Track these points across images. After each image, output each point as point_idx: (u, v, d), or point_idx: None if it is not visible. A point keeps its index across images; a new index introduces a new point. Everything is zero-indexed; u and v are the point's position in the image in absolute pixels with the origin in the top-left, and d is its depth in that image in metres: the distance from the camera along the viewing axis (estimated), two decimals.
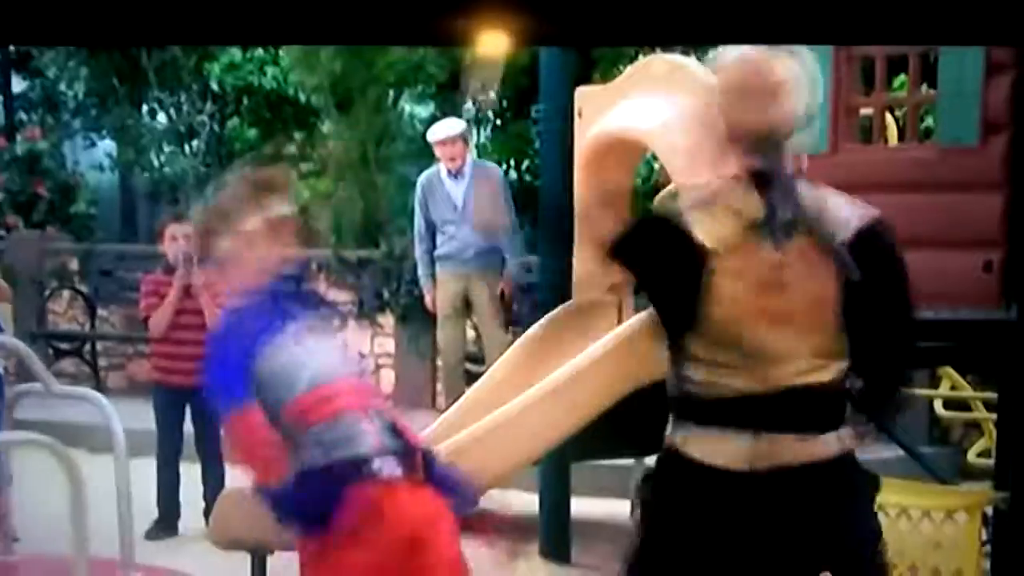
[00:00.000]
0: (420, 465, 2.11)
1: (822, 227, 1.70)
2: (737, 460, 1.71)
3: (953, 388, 4.48)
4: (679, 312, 1.72)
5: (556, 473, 3.99)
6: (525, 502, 4.07)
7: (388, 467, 2.07)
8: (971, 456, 4.53)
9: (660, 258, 1.74)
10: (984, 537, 3.23)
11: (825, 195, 1.76)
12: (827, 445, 1.73)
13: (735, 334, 1.70)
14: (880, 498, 3.12)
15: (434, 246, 5.51)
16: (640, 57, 5.56)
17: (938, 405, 4.62)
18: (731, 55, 1.76)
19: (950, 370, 4.39)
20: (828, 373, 1.72)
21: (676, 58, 4.15)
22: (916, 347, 1.84)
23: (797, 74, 1.73)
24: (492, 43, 1.60)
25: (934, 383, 4.62)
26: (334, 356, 2.13)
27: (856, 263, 1.70)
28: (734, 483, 1.71)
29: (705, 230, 1.70)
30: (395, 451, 2.10)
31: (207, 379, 2.11)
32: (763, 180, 1.71)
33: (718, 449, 1.71)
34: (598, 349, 3.24)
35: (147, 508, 4.27)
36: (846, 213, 1.75)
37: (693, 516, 1.74)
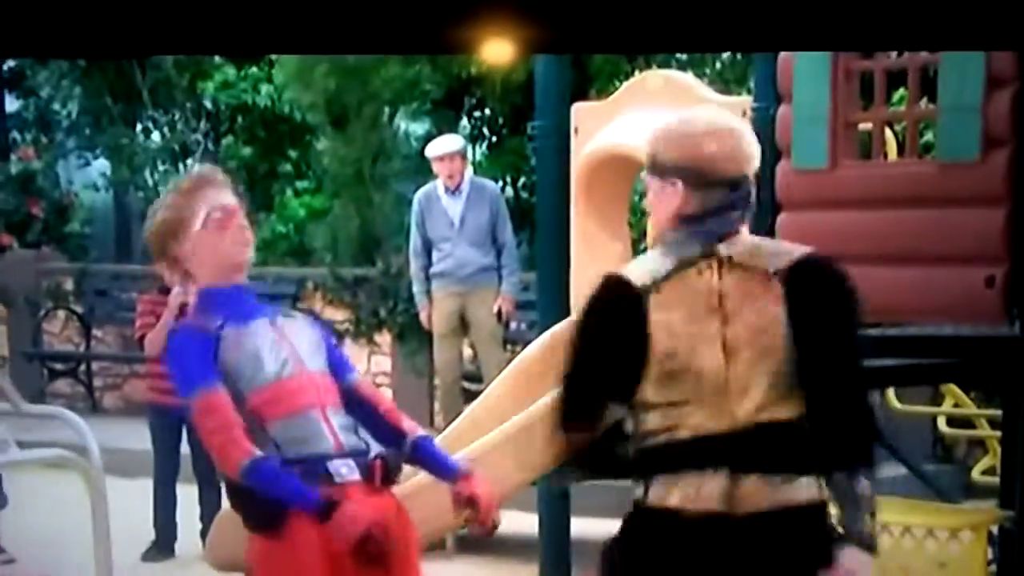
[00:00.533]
0: (379, 469, 2.07)
1: (756, 259, 1.71)
2: (713, 503, 1.65)
3: (956, 405, 4.45)
4: (627, 361, 1.69)
5: (556, 493, 3.95)
6: (525, 522, 4.04)
7: (345, 469, 2.03)
8: (975, 474, 4.50)
9: (598, 312, 1.72)
10: (990, 556, 3.20)
11: (765, 240, 1.81)
12: (808, 489, 1.68)
13: (683, 366, 1.67)
14: (884, 517, 3.12)
15: (430, 263, 5.49)
16: (636, 72, 5.56)
17: (941, 422, 4.59)
18: (689, 117, 1.77)
19: (953, 387, 4.36)
20: (790, 410, 1.68)
21: (672, 73, 4.15)
22: (865, 388, 1.78)
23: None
24: (496, 51, 1.58)
25: (937, 400, 4.59)
26: (299, 350, 2.10)
27: (795, 292, 1.69)
28: (712, 529, 1.64)
29: (635, 273, 1.72)
30: (354, 453, 2.06)
31: (171, 366, 2.09)
32: (701, 221, 1.72)
33: (690, 493, 1.65)
34: None
35: (144, 530, 4.23)
36: (785, 248, 1.77)
37: (672, 571, 1.67)
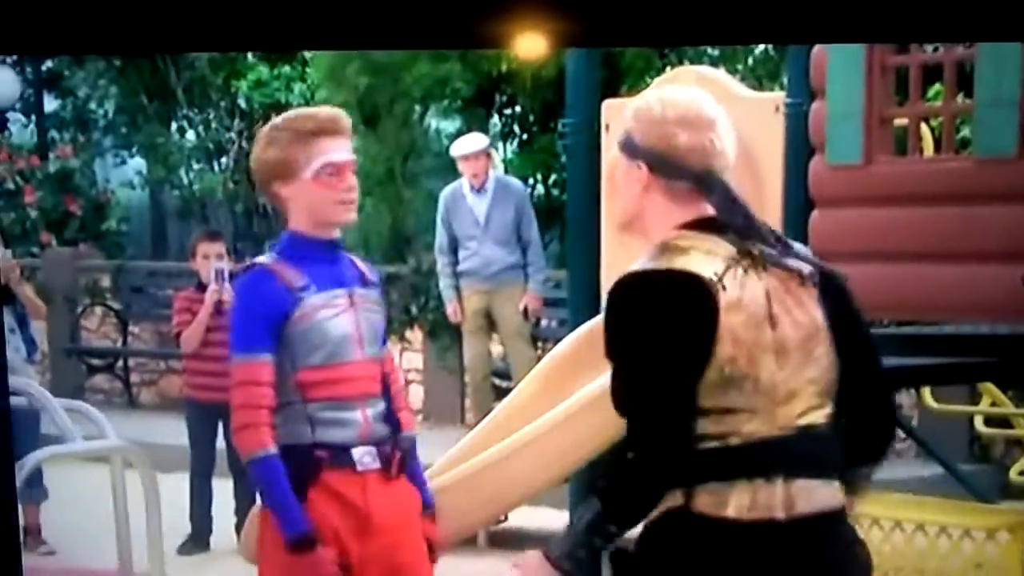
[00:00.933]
0: (397, 459, 2.10)
1: (784, 259, 1.66)
2: (772, 510, 1.59)
3: (994, 404, 4.39)
4: (690, 360, 1.57)
5: (586, 491, 3.95)
6: (556, 519, 4.04)
7: (368, 459, 2.05)
8: (1013, 474, 4.45)
9: (672, 307, 1.59)
10: None
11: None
12: (839, 491, 1.67)
13: (742, 372, 1.59)
14: (920, 517, 3.09)
15: (456, 261, 5.51)
16: (668, 69, 5.54)
17: (979, 422, 4.54)
18: (669, 99, 1.70)
19: (991, 386, 4.30)
20: (825, 413, 1.66)
21: (704, 69, 4.13)
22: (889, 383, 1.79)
23: (725, 115, 1.70)
24: (529, 45, 1.58)
25: (974, 399, 4.53)
26: (364, 332, 2.08)
27: (828, 296, 1.67)
28: (767, 535, 1.60)
29: (699, 267, 1.60)
30: (380, 441, 2.08)
31: (237, 304, 2.06)
32: (724, 220, 1.65)
33: (746, 501, 1.58)
34: None
35: (180, 524, 4.29)
36: (792, 246, 1.72)
37: None
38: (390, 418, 2.17)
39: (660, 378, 1.59)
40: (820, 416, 1.65)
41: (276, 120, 2.09)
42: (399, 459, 2.11)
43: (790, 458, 1.62)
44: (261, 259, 2.09)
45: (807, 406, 1.64)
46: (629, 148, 1.71)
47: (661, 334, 1.59)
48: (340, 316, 2.05)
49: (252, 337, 2.00)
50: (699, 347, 1.58)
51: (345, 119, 2.09)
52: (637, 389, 1.60)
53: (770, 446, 1.61)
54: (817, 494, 1.63)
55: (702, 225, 1.66)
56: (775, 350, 1.62)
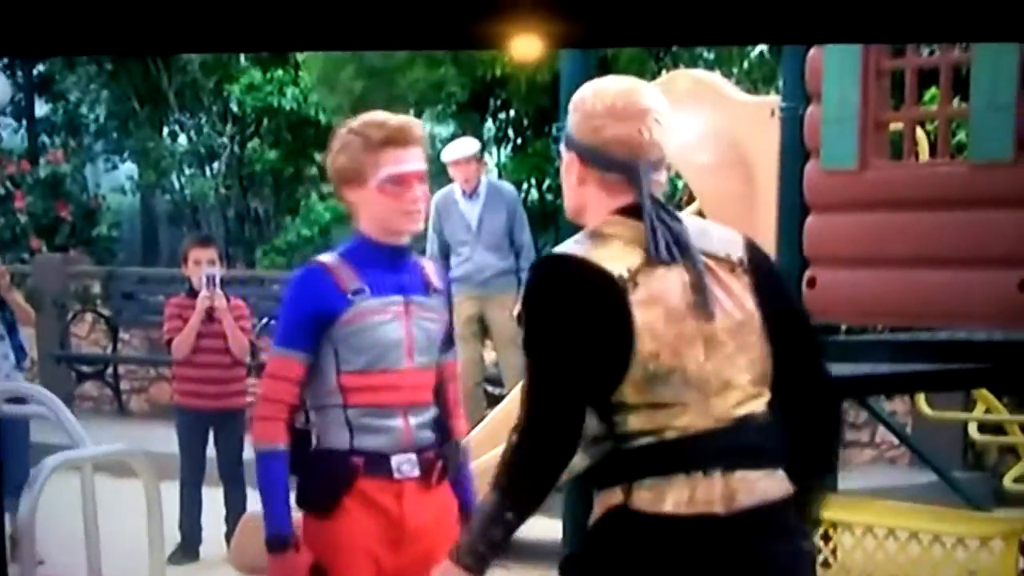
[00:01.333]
0: (438, 468, 2.08)
1: (711, 245, 1.64)
2: (710, 505, 1.55)
3: (988, 411, 4.39)
4: (607, 361, 1.55)
5: (579, 498, 3.93)
6: (550, 528, 4.02)
7: (407, 467, 2.04)
8: (1007, 481, 4.43)
9: (579, 300, 1.57)
10: (1021, 566, 3.14)
11: (694, 220, 1.72)
12: (784, 481, 1.62)
13: (670, 366, 1.56)
14: (914, 525, 3.07)
15: (448, 267, 5.48)
16: (663, 72, 5.54)
17: (972, 429, 4.53)
18: (598, 89, 1.69)
19: (985, 392, 4.30)
20: (762, 401, 1.63)
21: (699, 73, 4.13)
22: (829, 374, 1.74)
23: (665, 105, 1.68)
24: (525, 46, 1.57)
25: (968, 406, 4.53)
26: (416, 341, 2.07)
27: (759, 281, 1.65)
28: (707, 530, 1.56)
29: (611, 262, 1.58)
30: (420, 448, 2.06)
31: (288, 297, 2.05)
32: (643, 210, 1.62)
33: (685, 496, 1.55)
34: None
35: (169, 532, 4.26)
36: (723, 232, 1.69)
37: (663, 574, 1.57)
38: (442, 426, 2.14)
39: (555, 366, 1.58)
40: (758, 405, 1.62)
41: (351, 122, 2.09)
42: (441, 467, 2.08)
43: (728, 450, 1.58)
44: (322, 257, 2.08)
45: (743, 396, 1.61)
46: (566, 141, 1.70)
47: (561, 325, 1.58)
48: (391, 323, 2.04)
49: (293, 333, 2.02)
50: (606, 343, 1.55)
51: (416, 129, 2.08)
52: (535, 372, 1.59)
53: (706, 439, 1.58)
54: (758, 486, 1.59)
55: (629, 211, 1.63)
56: (703, 341, 1.59)
